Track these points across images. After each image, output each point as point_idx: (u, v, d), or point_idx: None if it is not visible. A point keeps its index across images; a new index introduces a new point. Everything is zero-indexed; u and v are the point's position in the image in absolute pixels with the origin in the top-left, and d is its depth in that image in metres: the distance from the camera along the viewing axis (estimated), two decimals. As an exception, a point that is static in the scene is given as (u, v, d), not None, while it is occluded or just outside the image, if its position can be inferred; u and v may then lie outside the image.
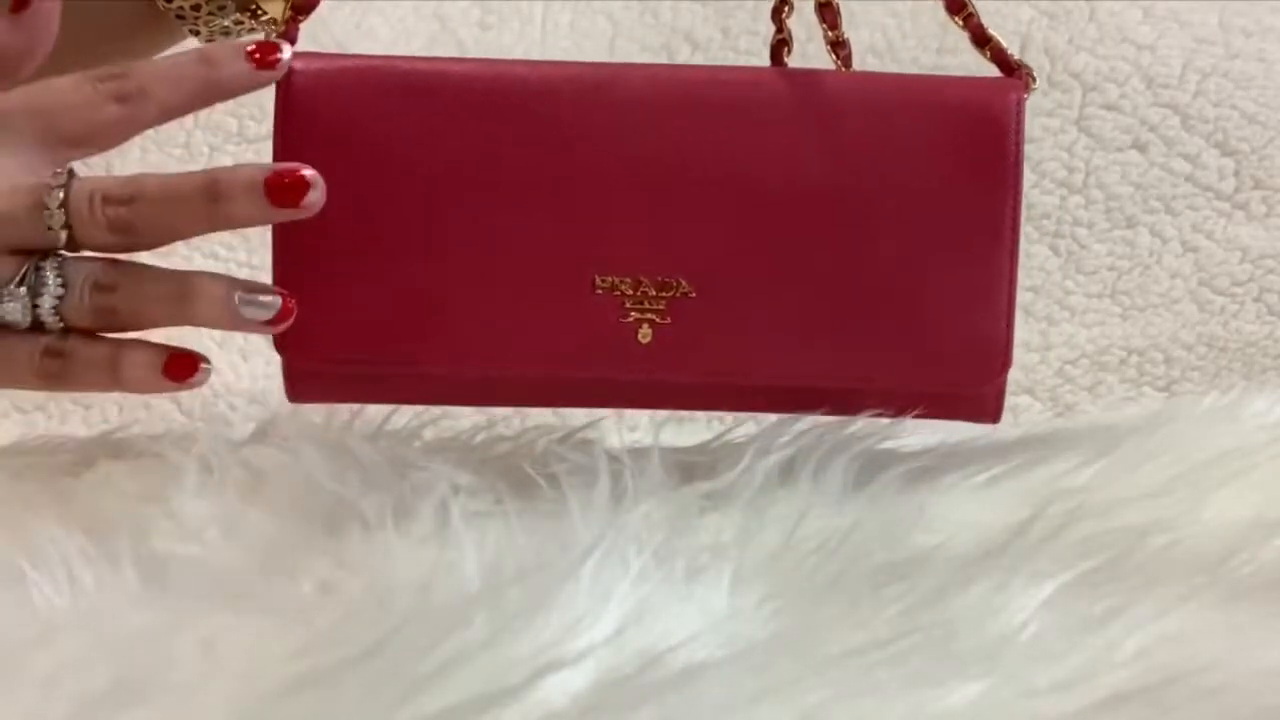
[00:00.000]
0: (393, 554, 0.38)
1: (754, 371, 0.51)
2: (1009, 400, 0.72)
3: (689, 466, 0.50)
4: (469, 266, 0.48)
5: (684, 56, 0.80)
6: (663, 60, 0.80)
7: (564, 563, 0.37)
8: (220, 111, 0.78)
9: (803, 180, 0.49)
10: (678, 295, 0.48)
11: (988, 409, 0.53)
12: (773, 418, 0.70)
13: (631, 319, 0.49)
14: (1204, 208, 0.74)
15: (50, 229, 0.44)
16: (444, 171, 0.48)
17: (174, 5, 0.56)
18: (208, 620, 0.37)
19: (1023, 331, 0.74)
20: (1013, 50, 0.77)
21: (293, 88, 0.49)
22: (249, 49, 0.47)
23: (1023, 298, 0.74)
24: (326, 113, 0.49)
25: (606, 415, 0.70)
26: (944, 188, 0.49)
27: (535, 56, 0.80)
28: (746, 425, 0.72)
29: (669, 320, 0.49)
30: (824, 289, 0.49)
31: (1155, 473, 0.49)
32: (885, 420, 0.53)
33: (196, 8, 0.56)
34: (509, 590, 0.36)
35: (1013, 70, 0.51)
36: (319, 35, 0.80)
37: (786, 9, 0.54)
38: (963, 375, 0.51)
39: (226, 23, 0.57)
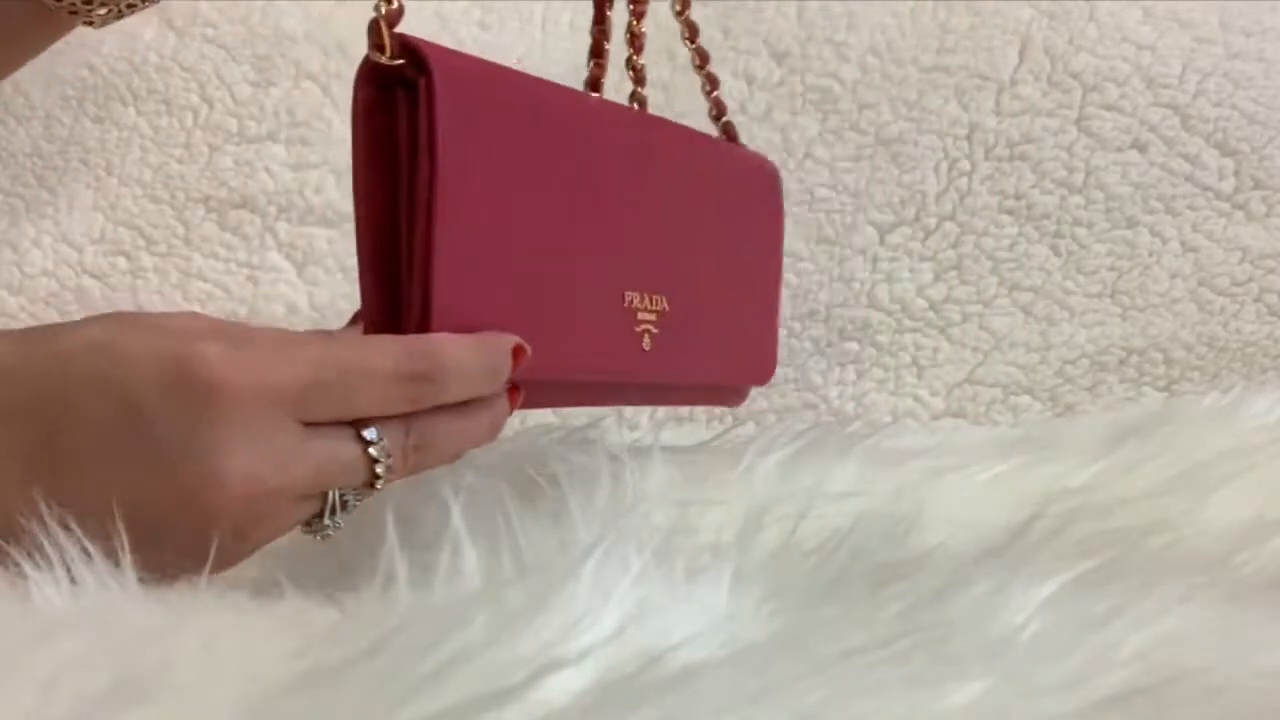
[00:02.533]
0: (393, 554, 0.38)
1: (705, 372, 0.59)
2: (1009, 400, 0.73)
3: (690, 467, 0.50)
4: (549, 275, 0.49)
5: (684, 56, 0.80)
6: (663, 60, 0.80)
7: (564, 563, 0.37)
8: (220, 111, 0.78)
9: (708, 219, 0.58)
10: (662, 309, 0.54)
11: (743, 396, 0.65)
12: (773, 418, 0.70)
13: (640, 329, 0.52)
14: (1204, 208, 0.74)
15: (376, 487, 0.42)
16: (541, 185, 0.48)
17: (65, 3, 0.56)
18: (208, 620, 0.37)
19: (1023, 331, 0.74)
20: (1012, 50, 0.77)
21: (446, 89, 0.45)
22: (515, 347, 0.45)
23: (1023, 298, 0.74)
24: (472, 121, 0.46)
25: (607, 415, 0.70)
26: (764, 230, 0.62)
27: (536, 57, 0.80)
28: (746, 425, 0.72)
29: (659, 330, 0.53)
30: (727, 304, 0.60)
31: (1155, 473, 0.49)
32: (886, 420, 0.53)
33: (88, 1, 0.56)
34: (509, 590, 0.36)
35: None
36: (319, 35, 0.80)
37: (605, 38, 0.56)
38: (765, 374, 0.64)
39: (121, 7, 0.57)
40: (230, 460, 0.38)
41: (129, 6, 0.58)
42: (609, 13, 0.55)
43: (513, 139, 0.47)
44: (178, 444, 0.38)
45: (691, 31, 0.58)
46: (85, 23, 0.58)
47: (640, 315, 0.52)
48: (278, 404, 0.39)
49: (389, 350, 0.41)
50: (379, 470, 0.42)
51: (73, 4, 0.56)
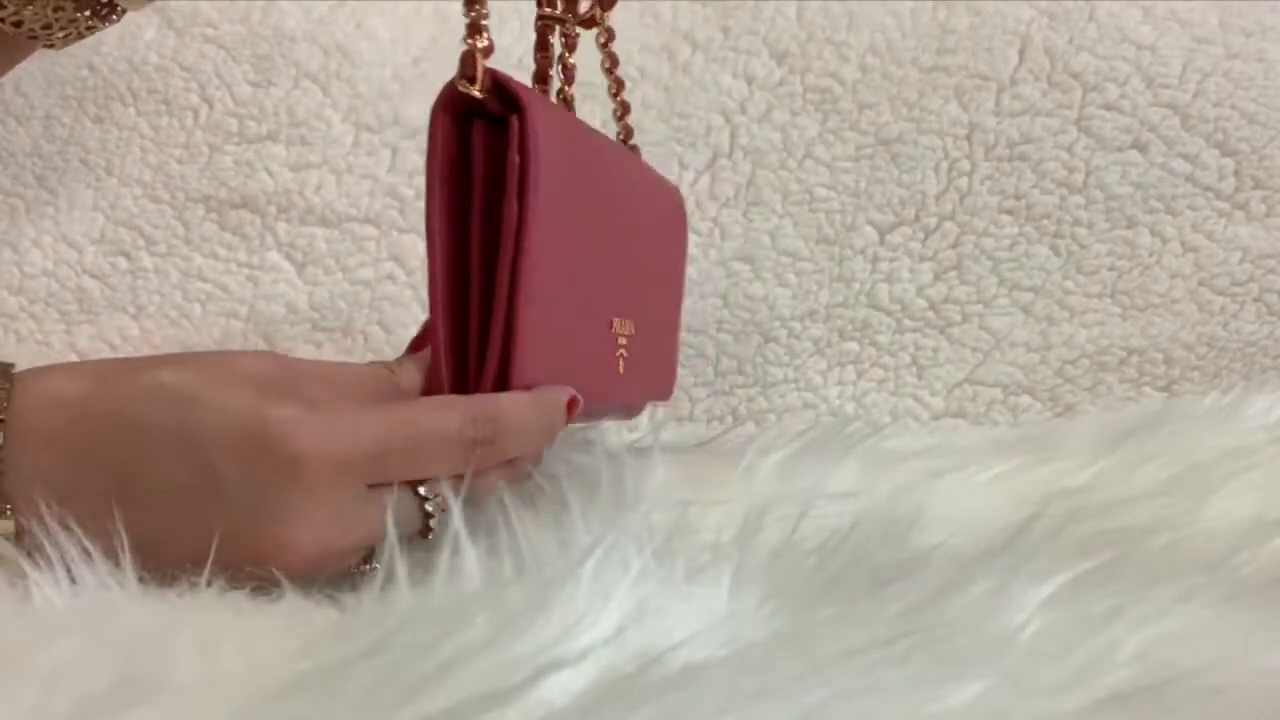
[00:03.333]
0: (393, 554, 0.38)
1: (644, 391, 0.59)
2: (1009, 400, 0.73)
3: (690, 467, 0.50)
4: (579, 307, 0.49)
5: (684, 56, 0.80)
6: (663, 60, 0.80)
7: (564, 563, 0.37)
8: (220, 111, 0.78)
9: (653, 242, 0.58)
10: (630, 332, 0.54)
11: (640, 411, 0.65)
12: (773, 418, 0.70)
13: (618, 353, 0.53)
14: (1204, 208, 0.74)
15: (428, 537, 0.44)
16: (580, 221, 0.48)
17: (24, 29, 0.56)
18: (208, 620, 0.37)
19: (1023, 331, 0.74)
20: (1012, 50, 0.77)
21: (535, 131, 0.45)
22: (570, 399, 0.47)
23: (1023, 298, 0.74)
24: (548, 163, 0.46)
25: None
26: (676, 252, 0.62)
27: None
28: (746, 425, 0.72)
29: (628, 354, 0.54)
30: (661, 325, 0.60)
31: (1155, 473, 0.49)
32: (885, 420, 0.53)
33: (48, 26, 0.56)
34: (509, 590, 0.36)
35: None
36: (319, 35, 0.80)
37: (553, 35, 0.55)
38: (670, 391, 0.63)
39: (81, 29, 0.57)
40: (301, 528, 0.40)
41: (89, 28, 0.58)
42: (551, 39, 0.55)
43: (569, 179, 0.47)
44: (250, 508, 0.40)
45: (612, 62, 0.58)
46: (46, 45, 0.58)
47: (619, 339, 0.53)
48: (348, 472, 0.40)
49: (455, 417, 0.43)
50: (432, 523, 0.43)
51: (31, 30, 0.56)
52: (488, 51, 0.45)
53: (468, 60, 0.44)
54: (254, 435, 0.39)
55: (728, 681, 0.29)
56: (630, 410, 0.63)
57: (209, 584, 0.40)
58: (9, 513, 0.40)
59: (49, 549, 0.39)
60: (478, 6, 0.45)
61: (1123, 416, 0.67)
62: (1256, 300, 0.73)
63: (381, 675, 0.30)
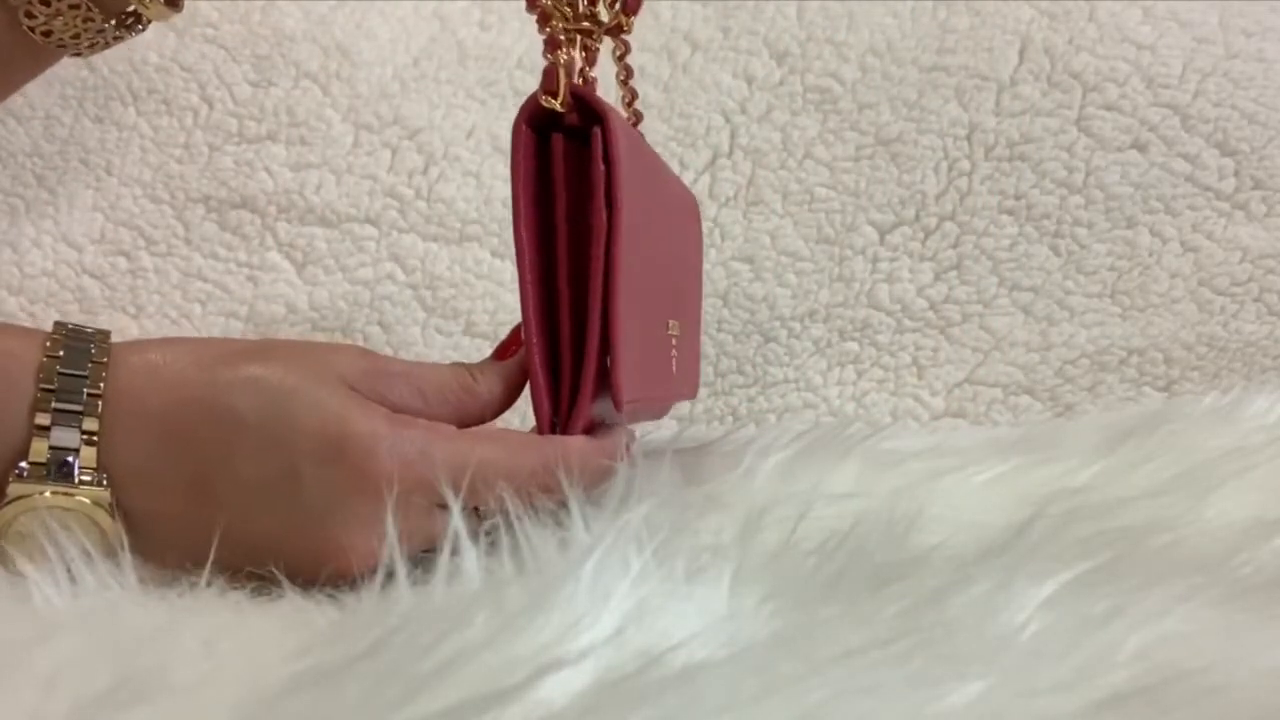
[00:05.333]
0: (393, 554, 0.38)
1: (682, 390, 0.58)
2: (1009, 400, 0.73)
3: (690, 468, 0.50)
4: (647, 311, 0.50)
5: (684, 56, 0.80)
6: (663, 60, 0.80)
7: (564, 563, 0.37)
8: (220, 111, 0.78)
9: (687, 243, 0.58)
10: (678, 333, 0.54)
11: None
12: (773, 418, 0.70)
13: (671, 353, 0.53)
14: (1204, 208, 0.74)
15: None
16: (647, 226, 0.49)
17: (53, 39, 0.57)
18: (208, 620, 0.37)
19: (1023, 331, 0.74)
20: (1012, 50, 0.77)
21: (618, 142, 0.45)
22: (628, 444, 0.49)
23: (1023, 297, 0.74)
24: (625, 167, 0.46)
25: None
26: (697, 253, 0.61)
27: (535, 57, 0.80)
28: (747, 426, 0.72)
29: (676, 353, 0.54)
30: (694, 324, 0.60)
31: (1155, 473, 0.49)
32: (885, 420, 0.53)
33: (76, 36, 0.57)
34: (509, 590, 0.36)
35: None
36: (319, 35, 0.80)
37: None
38: (696, 390, 0.62)
39: (109, 39, 0.58)
40: (365, 536, 0.42)
41: (115, 38, 0.59)
42: (568, 52, 0.55)
43: (637, 185, 0.47)
44: (322, 510, 0.42)
45: (627, 74, 0.58)
46: (73, 54, 0.59)
47: (671, 340, 0.54)
48: (419, 492, 0.43)
49: (530, 460, 0.45)
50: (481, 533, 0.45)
51: (60, 40, 0.57)
52: (569, 67, 0.46)
53: (550, 75, 0.45)
54: (336, 444, 0.41)
55: (728, 681, 0.29)
56: (666, 410, 0.63)
57: (209, 584, 0.40)
58: (105, 483, 0.41)
59: (49, 549, 0.39)
60: (553, 23, 0.46)
61: (1123, 416, 0.67)
62: (1256, 300, 0.73)
63: (381, 675, 0.30)
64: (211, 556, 0.41)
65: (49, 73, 0.79)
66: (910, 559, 0.39)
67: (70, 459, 0.40)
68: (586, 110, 0.45)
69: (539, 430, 0.47)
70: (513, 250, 0.55)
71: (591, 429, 0.47)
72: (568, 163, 0.46)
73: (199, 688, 0.31)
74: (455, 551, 0.38)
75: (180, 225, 0.76)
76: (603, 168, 0.44)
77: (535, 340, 0.46)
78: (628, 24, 0.54)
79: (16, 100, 0.79)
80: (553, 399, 0.46)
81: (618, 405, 0.45)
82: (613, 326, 0.45)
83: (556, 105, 0.45)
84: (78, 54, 0.59)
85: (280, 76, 0.79)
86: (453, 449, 0.43)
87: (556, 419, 0.46)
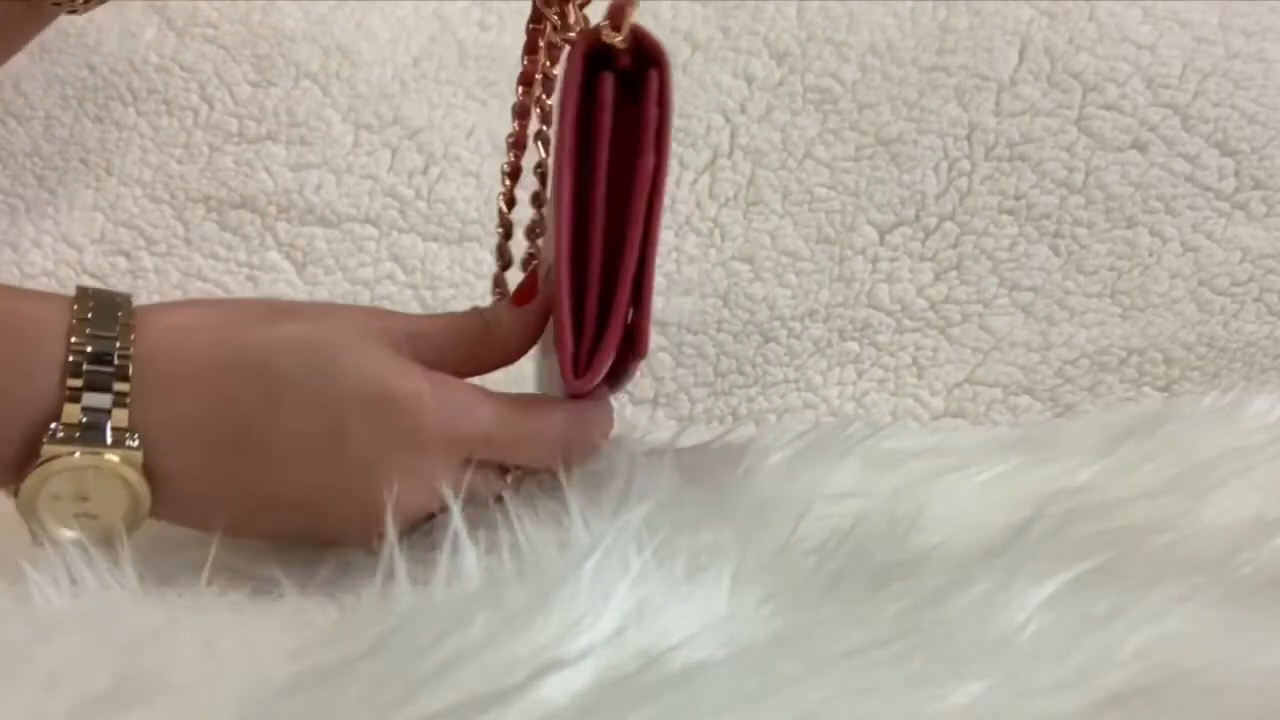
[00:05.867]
0: (393, 554, 0.38)
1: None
2: (1009, 400, 0.72)
3: (689, 468, 0.50)
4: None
5: (684, 56, 0.80)
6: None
7: (564, 563, 0.37)
8: (220, 111, 0.78)
9: None
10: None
11: None
12: (773, 418, 0.70)
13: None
14: (1204, 208, 0.74)
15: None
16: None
17: None
18: (208, 620, 0.37)
19: (1023, 331, 0.74)
20: (1012, 50, 0.77)
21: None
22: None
23: (1023, 297, 0.74)
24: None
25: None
26: None
27: (535, 56, 0.80)
28: (747, 426, 0.72)
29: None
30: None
31: (1155, 473, 0.49)
32: (885, 420, 0.53)
33: None
34: (509, 590, 0.36)
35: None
36: (319, 35, 0.80)
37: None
38: None
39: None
40: (405, 489, 0.43)
41: None
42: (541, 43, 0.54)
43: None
44: (366, 465, 0.43)
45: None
46: (69, 11, 0.58)
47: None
48: (457, 449, 0.44)
49: (558, 425, 0.47)
50: (504, 495, 0.46)
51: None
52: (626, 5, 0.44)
53: (617, 12, 0.43)
54: (383, 402, 0.42)
55: (728, 681, 0.29)
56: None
57: (209, 584, 0.40)
58: (136, 443, 0.41)
59: (49, 549, 0.39)
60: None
61: (1123, 416, 0.67)
62: (1256, 300, 0.73)
63: (381, 675, 0.30)
64: (211, 557, 0.41)
65: (49, 73, 0.79)
66: (910, 559, 0.39)
67: (102, 421, 0.40)
68: (643, 51, 0.44)
69: (563, 374, 0.45)
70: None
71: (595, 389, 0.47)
72: (615, 104, 0.44)
73: (199, 688, 0.31)
74: (455, 551, 0.38)
75: (180, 225, 0.76)
76: (656, 110, 0.43)
77: (566, 282, 0.44)
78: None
79: (17, 100, 0.79)
80: (576, 343, 0.44)
81: (642, 354, 0.45)
82: (647, 274, 0.44)
83: (618, 40, 0.43)
84: (73, 11, 0.58)
85: (280, 76, 0.79)
86: (490, 409, 0.45)
87: (576, 367, 0.44)
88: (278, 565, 0.42)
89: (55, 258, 0.76)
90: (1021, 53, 0.78)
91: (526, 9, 0.57)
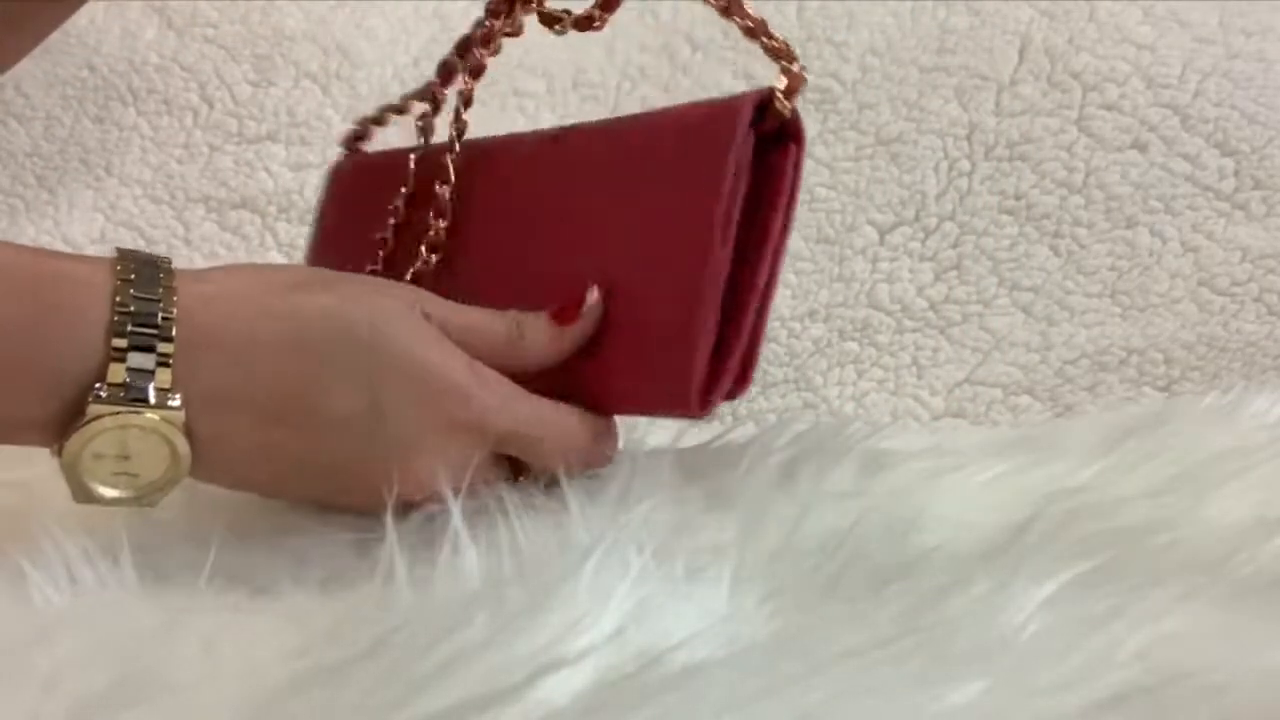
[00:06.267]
0: (393, 554, 0.38)
1: None
2: (1009, 400, 0.73)
3: (690, 468, 0.50)
4: None
5: (684, 56, 0.80)
6: (663, 60, 0.80)
7: (564, 563, 0.37)
8: (220, 112, 0.78)
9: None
10: None
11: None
12: (773, 418, 0.70)
13: None
14: (1204, 208, 0.74)
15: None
16: None
17: None
18: (208, 620, 0.37)
19: (1023, 331, 0.74)
20: (1012, 50, 0.77)
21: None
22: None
23: (1023, 297, 0.74)
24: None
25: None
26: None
27: (533, 58, 0.80)
28: (747, 426, 0.72)
29: None
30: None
31: (1155, 473, 0.49)
32: (885, 420, 0.53)
33: None
34: (509, 590, 0.36)
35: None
36: (319, 35, 0.80)
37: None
38: None
39: None
40: (434, 471, 0.44)
41: None
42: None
43: None
44: (406, 444, 0.44)
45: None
46: None
47: None
48: (487, 440, 0.46)
49: (583, 433, 0.48)
50: (504, 495, 0.47)
51: None
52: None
53: (795, 80, 0.46)
54: (427, 387, 0.44)
55: (728, 681, 0.29)
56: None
57: (209, 584, 0.40)
58: (179, 403, 0.42)
59: (49, 549, 0.39)
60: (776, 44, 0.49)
61: (1123, 416, 0.66)
62: (1256, 300, 0.73)
63: (381, 675, 0.30)
64: (211, 558, 0.41)
65: (49, 72, 0.79)
66: (910, 559, 0.39)
67: (146, 382, 0.41)
68: (788, 126, 0.47)
69: (670, 402, 0.47)
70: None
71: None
72: (751, 165, 0.47)
73: (199, 688, 0.31)
74: (455, 551, 0.38)
75: (180, 225, 0.76)
76: (790, 174, 0.47)
77: (710, 321, 0.46)
78: (600, 19, 0.55)
79: (17, 100, 0.79)
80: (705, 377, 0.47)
81: (747, 386, 0.48)
82: (762, 323, 0.47)
83: (786, 110, 0.46)
84: None
85: (280, 76, 0.79)
86: (528, 407, 0.47)
87: (701, 399, 0.46)
88: (278, 565, 0.42)
89: (55, 258, 0.76)
90: (1021, 53, 0.78)
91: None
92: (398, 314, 0.44)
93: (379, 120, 0.61)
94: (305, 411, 0.43)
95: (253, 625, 0.38)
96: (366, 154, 0.62)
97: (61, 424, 0.41)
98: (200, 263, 0.76)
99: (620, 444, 0.51)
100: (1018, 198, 0.76)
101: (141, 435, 0.41)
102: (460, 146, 0.55)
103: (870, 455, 0.52)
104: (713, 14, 0.53)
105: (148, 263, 0.43)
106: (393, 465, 0.44)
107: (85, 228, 0.76)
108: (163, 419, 0.41)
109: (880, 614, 0.34)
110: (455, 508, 0.40)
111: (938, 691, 0.29)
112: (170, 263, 0.43)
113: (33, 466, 0.44)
